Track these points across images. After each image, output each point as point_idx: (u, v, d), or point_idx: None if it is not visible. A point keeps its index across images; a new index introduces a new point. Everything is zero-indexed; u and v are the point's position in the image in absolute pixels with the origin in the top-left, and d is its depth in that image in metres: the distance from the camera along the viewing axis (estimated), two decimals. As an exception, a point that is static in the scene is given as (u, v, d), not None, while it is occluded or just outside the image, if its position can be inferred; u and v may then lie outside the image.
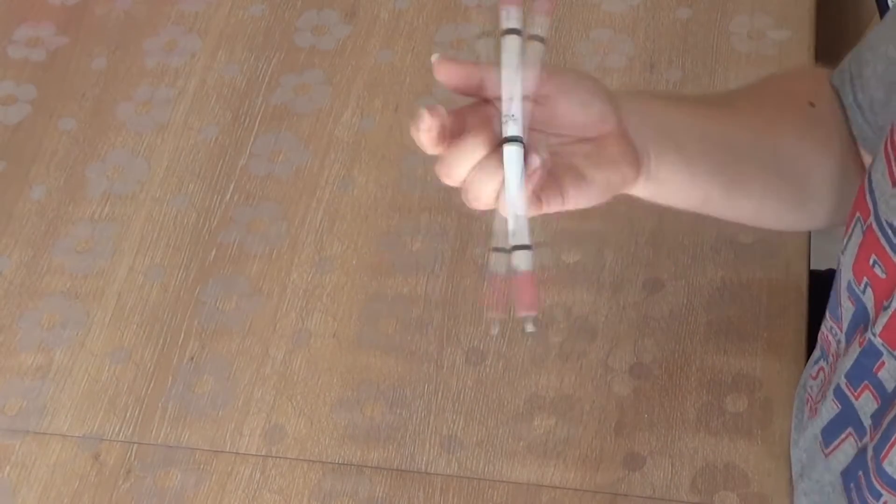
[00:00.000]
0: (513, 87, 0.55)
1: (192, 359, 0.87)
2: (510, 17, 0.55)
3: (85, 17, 1.09)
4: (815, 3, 0.99)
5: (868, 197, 0.58)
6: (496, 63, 0.55)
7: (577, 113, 0.57)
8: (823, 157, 0.68)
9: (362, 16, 1.05)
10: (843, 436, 0.65)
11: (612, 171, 0.58)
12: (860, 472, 0.62)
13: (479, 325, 0.85)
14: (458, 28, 1.02)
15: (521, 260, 0.56)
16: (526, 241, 0.56)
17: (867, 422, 0.62)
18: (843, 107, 0.69)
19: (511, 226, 0.56)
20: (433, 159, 0.87)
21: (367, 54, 1.02)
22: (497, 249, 0.57)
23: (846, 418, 0.64)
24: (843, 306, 0.64)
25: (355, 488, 0.79)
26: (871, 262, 0.59)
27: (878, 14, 1.11)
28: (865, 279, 0.60)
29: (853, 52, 0.69)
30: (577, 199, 0.57)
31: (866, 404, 0.61)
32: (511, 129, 0.55)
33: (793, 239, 0.86)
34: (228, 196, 0.95)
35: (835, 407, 0.65)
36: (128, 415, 0.85)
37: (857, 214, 0.60)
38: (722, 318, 0.83)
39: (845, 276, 0.62)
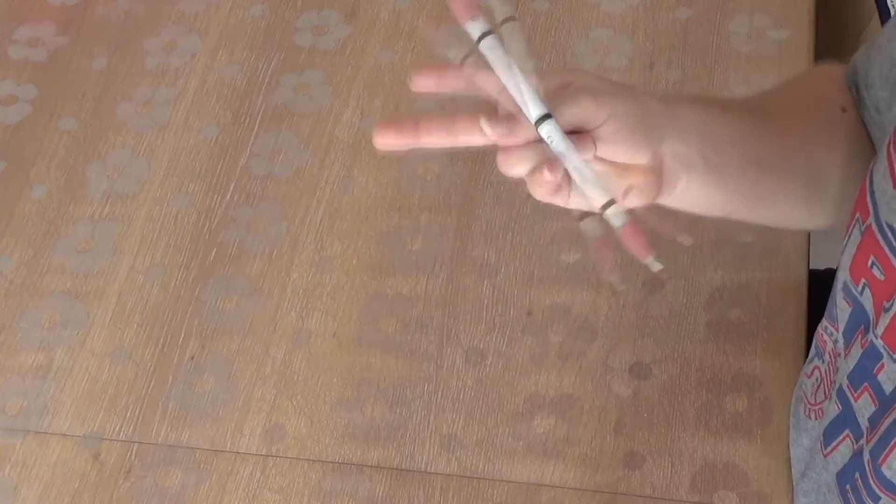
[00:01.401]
0: (517, 84, 0.55)
1: (193, 358, 0.87)
2: (475, 25, 0.55)
3: (85, 17, 1.09)
4: (815, 3, 1.00)
5: (869, 198, 0.58)
6: (491, 71, 0.56)
7: (615, 151, 0.57)
8: (855, 165, 0.67)
9: (362, 16, 1.05)
10: (841, 437, 0.65)
11: (628, 195, 0.58)
12: (856, 475, 0.62)
13: (478, 324, 0.85)
14: (459, 28, 1.02)
15: (615, 216, 0.55)
16: (607, 196, 0.55)
17: (864, 424, 0.62)
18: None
19: (589, 191, 0.55)
20: (433, 159, 0.88)
21: (367, 54, 1.02)
22: (585, 215, 0.56)
23: (845, 420, 0.64)
24: (838, 307, 0.64)
25: (355, 487, 0.80)
26: (869, 263, 0.58)
27: (877, 14, 1.11)
28: (863, 280, 0.60)
29: (862, 50, 0.69)
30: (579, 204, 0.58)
31: (864, 406, 0.61)
32: (547, 129, 0.55)
33: (792, 239, 0.86)
34: (229, 196, 0.95)
35: (836, 408, 0.65)
36: (128, 414, 0.85)
37: (857, 215, 0.60)
38: (721, 318, 0.83)
39: (842, 277, 0.62)
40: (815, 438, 0.71)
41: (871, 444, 0.60)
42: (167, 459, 0.82)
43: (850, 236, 0.61)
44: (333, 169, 0.95)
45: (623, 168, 0.57)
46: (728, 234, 0.86)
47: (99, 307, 0.90)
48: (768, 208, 0.67)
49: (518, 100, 0.55)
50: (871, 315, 0.59)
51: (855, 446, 0.63)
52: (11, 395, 0.87)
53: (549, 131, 0.55)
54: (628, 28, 1.00)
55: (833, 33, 1.17)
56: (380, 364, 0.85)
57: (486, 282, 0.87)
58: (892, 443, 0.57)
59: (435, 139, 0.59)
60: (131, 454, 0.83)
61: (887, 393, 0.58)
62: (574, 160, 0.55)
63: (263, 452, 0.82)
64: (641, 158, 0.57)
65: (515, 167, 0.57)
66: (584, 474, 0.78)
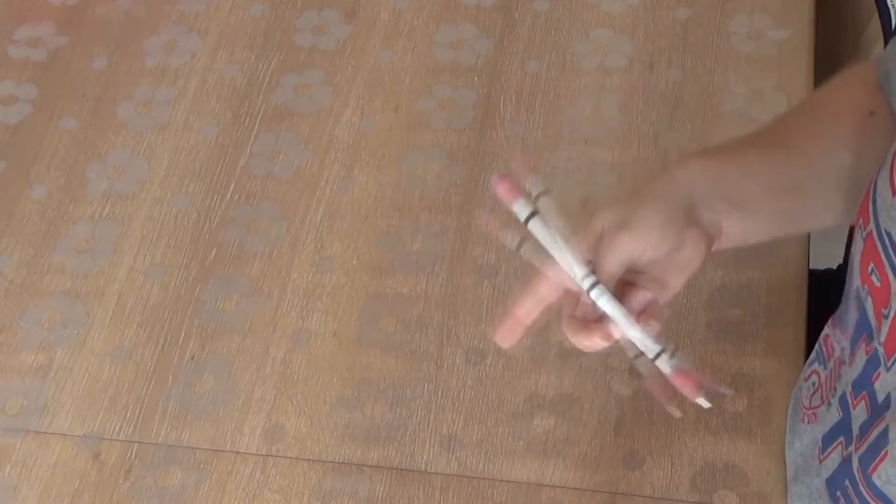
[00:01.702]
0: (566, 258, 0.61)
1: (193, 358, 0.87)
2: (520, 208, 0.61)
3: (85, 17, 1.09)
4: (815, 3, 1.00)
5: (871, 205, 0.58)
6: (545, 254, 0.61)
7: (644, 248, 0.62)
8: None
9: (362, 16, 1.05)
10: (835, 444, 0.65)
11: (690, 263, 0.63)
12: (846, 482, 0.62)
13: (478, 324, 0.85)
14: (458, 28, 1.03)
15: (664, 364, 0.61)
16: (658, 348, 0.61)
17: (856, 431, 0.62)
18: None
19: (640, 346, 0.62)
20: (433, 159, 0.88)
21: (367, 54, 1.02)
22: (639, 356, 0.62)
23: (842, 427, 0.64)
24: (850, 313, 0.64)
25: (355, 487, 0.80)
26: (869, 270, 0.58)
27: (877, 14, 1.11)
28: (867, 287, 0.60)
29: (891, 44, 0.68)
30: (667, 296, 0.64)
31: (860, 414, 0.61)
32: (596, 294, 0.61)
33: (792, 238, 0.86)
34: (229, 196, 0.95)
35: (837, 415, 0.65)
36: (128, 414, 0.85)
37: (860, 221, 0.60)
38: (721, 318, 0.83)
39: (854, 283, 0.62)
40: (808, 443, 0.71)
41: (861, 451, 0.60)
42: (167, 459, 0.82)
43: (855, 243, 0.61)
44: (333, 169, 0.95)
45: (673, 251, 0.62)
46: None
47: (99, 307, 0.90)
48: (810, 222, 0.69)
49: (570, 273, 0.61)
50: (873, 322, 0.59)
51: (844, 453, 0.63)
52: (11, 395, 0.87)
53: (602, 299, 0.61)
54: (628, 28, 1.00)
55: (833, 33, 1.17)
56: (380, 364, 0.85)
57: (486, 282, 0.87)
58: (882, 452, 0.57)
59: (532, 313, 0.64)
60: (131, 454, 0.83)
61: (879, 401, 0.58)
62: (627, 323, 0.61)
63: (263, 452, 0.82)
64: (674, 237, 0.62)
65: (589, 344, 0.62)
66: (584, 474, 0.78)
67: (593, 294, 0.61)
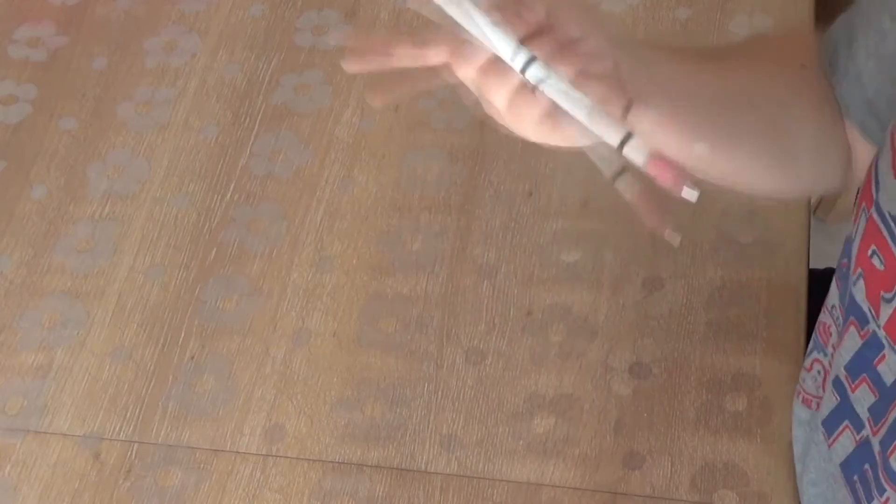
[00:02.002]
0: (480, 29, 0.52)
1: (193, 358, 0.87)
2: None
3: (85, 17, 1.09)
4: (814, 3, 1.00)
5: (873, 186, 0.58)
6: (458, 26, 0.54)
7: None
8: (811, 120, 0.66)
9: (362, 16, 1.05)
10: (841, 428, 0.65)
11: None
12: (866, 466, 0.62)
13: (478, 324, 0.85)
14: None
15: (636, 151, 0.52)
16: (623, 134, 0.51)
17: (864, 415, 0.62)
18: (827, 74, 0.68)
19: (600, 130, 0.52)
20: (433, 159, 0.87)
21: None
22: (617, 175, 0.53)
23: (843, 410, 0.64)
24: (835, 295, 0.65)
25: (355, 487, 0.80)
26: (869, 252, 0.58)
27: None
28: (860, 270, 0.59)
29: (842, 19, 0.68)
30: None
31: (863, 397, 0.61)
32: (533, 71, 0.51)
33: (792, 238, 0.86)
34: (229, 196, 0.95)
35: (834, 399, 0.65)
36: (128, 414, 0.85)
37: (863, 204, 0.60)
38: (721, 318, 0.84)
39: (844, 270, 0.62)
40: (813, 429, 0.71)
41: (880, 434, 0.60)
42: (167, 459, 0.82)
43: (857, 226, 0.61)
44: (333, 169, 0.95)
45: (584, 76, 0.53)
46: (728, 233, 0.86)
47: (99, 307, 0.90)
48: (729, 156, 0.63)
49: (489, 45, 0.52)
50: (867, 305, 0.59)
51: (857, 437, 0.63)
52: (11, 395, 0.87)
53: (527, 65, 0.51)
54: (628, 28, 1.00)
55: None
56: (380, 364, 0.85)
57: (485, 282, 0.87)
58: None
59: (404, 61, 0.56)
60: (131, 454, 0.83)
61: (888, 384, 0.58)
62: (563, 87, 0.51)
63: (263, 452, 0.82)
64: (604, 57, 0.54)
65: (495, 94, 0.53)
66: (583, 474, 0.78)
67: (532, 74, 0.50)
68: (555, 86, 0.51)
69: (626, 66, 0.55)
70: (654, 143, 0.54)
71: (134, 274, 0.92)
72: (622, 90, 0.53)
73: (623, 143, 0.51)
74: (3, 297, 0.92)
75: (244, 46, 1.04)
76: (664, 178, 0.52)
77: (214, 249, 0.92)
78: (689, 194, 0.51)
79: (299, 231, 0.92)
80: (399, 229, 0.91)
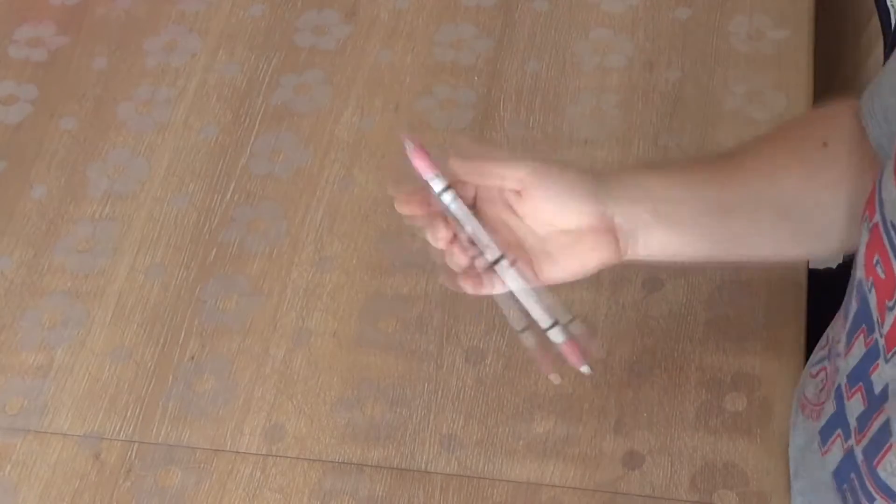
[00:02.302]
0: (477, 233, 0.63)
1: (193, 358, 0.87)
2: (436, 181, 0.63)
3: (86, 17, 1.09)
4: (814, 3, 1.00)
5: (877, 196, 0.58)
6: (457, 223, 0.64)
7: (552, 210, 0.63)
8: (832, 196, 0.68)
9: (362, 16, 1.05)
10: (834, 436, 0.65)
11: (587, 258, 0.64)
12: (852, 475, 0.62)
13: (478, 324, 0.85)
14: (458, 28, 1.03)
15: (556, 335, 0.65)
16: (551, 321, 0.64)
17: (853, 423, 0.62)
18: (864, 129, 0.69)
19: (534, 314, 0.64)
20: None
21: (367, 54, 1.02)
22: (525, 329, 0.65)
23: (838, 419, 0.64)
24: (851, 305, 0.65)
25: (355, 487, 0.80)
26: (874, 261, 0.59)
27: (876, 14, 1.11)
28: (871, 279, 0.60)
29: (878, 78, 0.68)
30: (550, 278, 0.65)
31: (855, 405, 0.61)
32: (501, 269, 0.64)
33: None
34: (229, 195, 0.95)
35: (832, 407, 0.66)
36: (128, 414, 0.85)
37: (866, 213, 0.60)
38: (721, 317, 0.84)
39: (858, 274, 0.62)
40: (810, 437, 0.71)
41: (863, 444, 0.60)
42: (167, 459, 0.82)
43: (861, 234, 0.61)
44: (333, 169, 0.95)
45: (575, 236, 0.63)
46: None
47: (99, 307, 0.90)
48: (747, 247, 0.69)
49: (478, 241, 0.64)
50: (876, 314, 0.59)
51: (844, 446, 0.63)
52: (12, 395, 0.87)
53: (502, 268, 0.64)
54: (628, 28, 1.01)
55: (832, 33, 1.17)
56: (380, 363, 0.85)
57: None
58: (887, 444, 0.57)
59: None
60: (131, 454, 0.83)
61: (876, 393, 0.59)
62: (521, 285, 0.64)
63: (263, 452, 0.82)
64: (584, 218, 0.63)
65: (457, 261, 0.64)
66: (583, 473, 0.78)
67: (499, 268, 0.63)
68: (513, 279, 0.64)
69: (624, 206, 0.64)
70: (671, 253, 0.66)
71: (134, 274, 0.92)
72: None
73: (550, 327, 0.64)
74: (4, 297, 0.92)
75: (244, 46, 1.04)
76: (571, 358, 0.65)
77: (214, 249, 0.92)
78: (586, 370, 0.66)
79: (299, 231, 0.92)
80: (399, 229, 0.91)
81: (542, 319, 0.64)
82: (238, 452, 0.82)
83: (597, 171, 0.65)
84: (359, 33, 1.04)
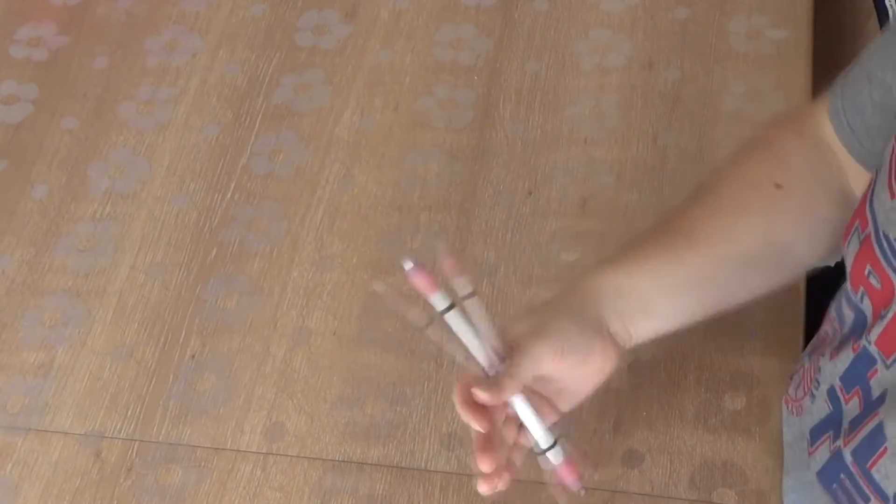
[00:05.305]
0: (481, 350, 0.63)
1: (194, 357, 0.87)
2: (437, 300, 0.61)
3: (86, 17, 1.09)
4: (813, 3, 1.00)
5: (868, 207, 0.59)
6: (454, 340, 0.63)
7: (578, 365, 0.66)
8: (795, 234, 0.70)
9: (362, 16, 1.05)
10: (823, 437, 0.66)
11: (599, 376, 0.68)
12: (842, 475, 0.62)
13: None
14: (458, 28, 1.03)
15: (553, 457, 0.66)
16: (547, 444, 0.66)
17: (845, 426, 0.62)
18: (838, 134, 0.70)
19: (537, 436, 0.66)
20: (433, 159, 0.88)
21: (367, 54, 1.03)
22: (543, 453, 0.67)
23: (832, 420, 0.64)
24: (843, 311, 0.65)
25: (355, 485, 0.80)
26: (866, 272, 0.59)
27: (875, 14, 1.12)
28: (862, 289, 0.60)
29: (843, 76, 0.69)
30: (570, 406, 0.69)
31: (852, 409, 0.62)
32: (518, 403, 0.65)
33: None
34: (229, 195, 0.95)
35: (827, 408, 0.66)
36: (129, 412, 0.85)
37: (857, 223, 0.60)
38: (720, 317, 0.83)
39: (848, 284, 0.63)
40: (797, 435, 0.71)
41: (851, 445, 0.60)
42: (168, 457, 0.83)
43: (849, 244, 0.61)
44: (334, 168, 0.96)
45: (585, 361, 0.66)
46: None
47: (100, 306, 0.90)
48: (727, 301, 0.71)
49: (485, 364, 0.64)
50: (870, 321, 0.60)
51: (832, 447, 0.64)
52: (13, 394, 0.87)
53: (517, 401, 0.65)
54: (627, 28, 1.01)
55: (831, 33, 1.17)
56: (380, 362, 0.85)
57: (485, 281, 0.87)
58: (881, 447, 0.57)
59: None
60: (132, 452, 0.83)
61: (873, 397, 0.59)
62: (532, 416, 0.65)
63: (264, 450, 0.82)
64: (597, 346, 0.66)
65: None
66: (583, 472, 0.78)
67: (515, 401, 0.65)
68: (517, 401, 0.65)
69: (614, 310, 0.67)
70: (667, 328, 0.70)
71: (135, 273, 0.92)
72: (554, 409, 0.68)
73: (549, 447, 0.66)
74: (5, 296, 0.92)
75: (245, 46, 1.05)
76: (568, 479, 0.67)
77: (215, 248, 0.92)
78: (580, 491, 0.68)
79: (300, 230, 0.92)
80: (399, 228, 0.91)
81: (543, 440, 0.66)
82: (238, 451, 0.82)
83: (573, 290, 0.68)
84: (359, 33, 1.04)
